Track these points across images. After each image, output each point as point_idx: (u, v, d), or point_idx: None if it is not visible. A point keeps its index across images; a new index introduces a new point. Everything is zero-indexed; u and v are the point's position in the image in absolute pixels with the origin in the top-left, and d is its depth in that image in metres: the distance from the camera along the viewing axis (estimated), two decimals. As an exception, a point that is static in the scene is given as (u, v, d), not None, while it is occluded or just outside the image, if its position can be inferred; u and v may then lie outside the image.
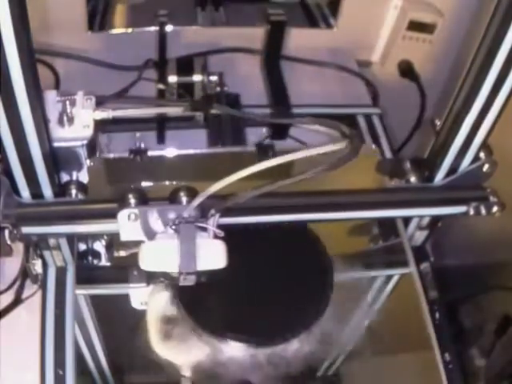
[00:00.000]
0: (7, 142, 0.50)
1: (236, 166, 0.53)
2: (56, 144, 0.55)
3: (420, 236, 0.73)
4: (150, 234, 0.53)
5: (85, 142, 0.57)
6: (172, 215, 0.53)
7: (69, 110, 0.58)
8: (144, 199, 0.56)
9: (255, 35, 0.93)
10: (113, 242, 0.70)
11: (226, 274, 0.65)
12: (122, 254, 0.70)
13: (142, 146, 0.61)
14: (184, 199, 0.55)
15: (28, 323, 0.65)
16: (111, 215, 0.55)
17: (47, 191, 0.56)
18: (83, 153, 0.58)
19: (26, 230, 0.56)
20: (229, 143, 0.79)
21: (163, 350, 0.63)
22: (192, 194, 0.55)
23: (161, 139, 0.83)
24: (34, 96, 0.47)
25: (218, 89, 0.81)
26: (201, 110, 0.63)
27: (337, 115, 0.82)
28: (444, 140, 0.60)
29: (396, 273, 0.74)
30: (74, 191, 0.58)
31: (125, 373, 0.65)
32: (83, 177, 0.60)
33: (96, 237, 0.70)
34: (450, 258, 1.09)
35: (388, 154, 0.83)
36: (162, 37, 0.85)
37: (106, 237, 0.70)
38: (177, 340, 0.63)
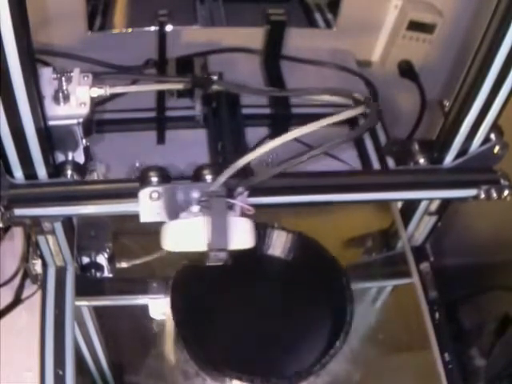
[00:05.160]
0: (0, 119, 0.48)
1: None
2: (51, 122, 0.53)
3: (420, 236, 0.73)
4: (173, 214, 0.51)
5: (81, 120, 0.54)
6: (196, 194, 0.51)
7: (65, 87, 0.54)
8: (166, 178, 0.54)
9: (255, 35, 0.93)
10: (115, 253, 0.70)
11: (232, 311, 0.65)
12: (124, 265, 0.70)
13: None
14: (208, 177, 0.53)
15: (28, 323, 0.65)
16: (113, 196, 0.54)
17: (41, 171, 0.54)
18: (79, 131, 0.55)
19: (18, 212, 0.54)
20: (229, 143, 0.79)
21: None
22: (216, 172, 0.53)
23: (161, 139, 0.83)
24: (28, 71, 0.45)
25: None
26: (201, 85, 0.62)
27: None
28: (453, 121, 0.58)
29: (398, 283, 0.74)
30: (69, 172, 0.55)
31: (125, 373, 0.65)
32: (79, 157, 0.57)
33: (98, 249, 0.70)
34: (450, 258, 1.09)
35: (387, 154, 0.83)
36: (162, 37, 0.85)
37: (108, 250, 0.70)
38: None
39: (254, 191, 0.53)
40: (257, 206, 0.53)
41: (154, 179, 0.53)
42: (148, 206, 0.52)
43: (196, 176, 0.54)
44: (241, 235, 0.51)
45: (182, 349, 0.62)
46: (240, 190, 0.52)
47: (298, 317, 0.66)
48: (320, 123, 0.51)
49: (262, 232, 0.69)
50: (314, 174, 0.59)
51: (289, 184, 0.57)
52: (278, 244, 0.70)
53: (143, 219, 0.52)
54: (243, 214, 0.51)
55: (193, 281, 0.62)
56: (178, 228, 0.51)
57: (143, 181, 0.53)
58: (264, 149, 0.51)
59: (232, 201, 0.51)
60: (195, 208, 0.51)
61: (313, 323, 0.65)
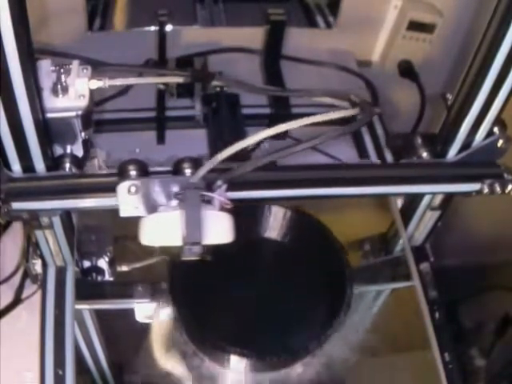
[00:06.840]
0: (-3, 111, 0.47)
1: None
2: (49, 115, 0.52)
3: (420, 235, 0.73)
4: (151, 208, 0.51)
5: (80, 112, 0.53)
6: (175, 187, 0.51)
7: (63, 79, 0.53)
8: (145, 171, 0.53)
9: (255, 35, 0.93)
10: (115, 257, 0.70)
11: (231, 294, 0.65)
12: (125, 268, 0.70)
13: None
14: (188, 171, 0.53)
15: (28, 323, 0.65)
16: (109, 189, 0.53)
17: (39, 165, 0.54)
18: (78, 124, 0.54)
19: (16, 205, 0.53)
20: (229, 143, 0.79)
21: (166, 362, 0.63)
22: (196, 165, 0.53)
23: (161, 139, 0.83)
24: (27, 62, 0.45)
25: (218, 89, 0.81)
26: (201, 80, 0.61)
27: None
28: (456, 115, 0.58)
29: (398, 286, 0.74)
30: (67, 165, 0.55)
31: (125, 373, 0.65)
32: (77, 150, 0.56)
33: (99, 252, 0.70)
34: (450, 258, 1.09)
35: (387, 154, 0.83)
36: (162, 36, 0.85)
37: (109, 253, 0.70)
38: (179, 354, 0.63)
39: (238, 185, 0.53)
40: (240, 201, 0.53)
41: (133, 173, 0.53)
42: (126, 200, 0.51)
43: (176, 169, 0.54)
44: (217, 229, 0.50)
45: (180, 330, 0.62)
46: (219, 183, 0.51)
47: (297, 296, 0.66)
48: (307, 120, 0.51)
49: (260, 212, 0.68)
50: (306, 167, 0.58)
51: (274, 178, 0.56)
52: (276, 223, 0.69)
53: (123, 213, 0.51)
54: (222, 209, 0.51)
55: (191, 262, 0.63)
56: (153, 222, 0.50)
57: (122, 174, 0.53)
58: (245, 143, 0.51)
59: (207, 194, 0.50)
60: (174, 202, 0.51)
61: (312, 303, 0.65)
